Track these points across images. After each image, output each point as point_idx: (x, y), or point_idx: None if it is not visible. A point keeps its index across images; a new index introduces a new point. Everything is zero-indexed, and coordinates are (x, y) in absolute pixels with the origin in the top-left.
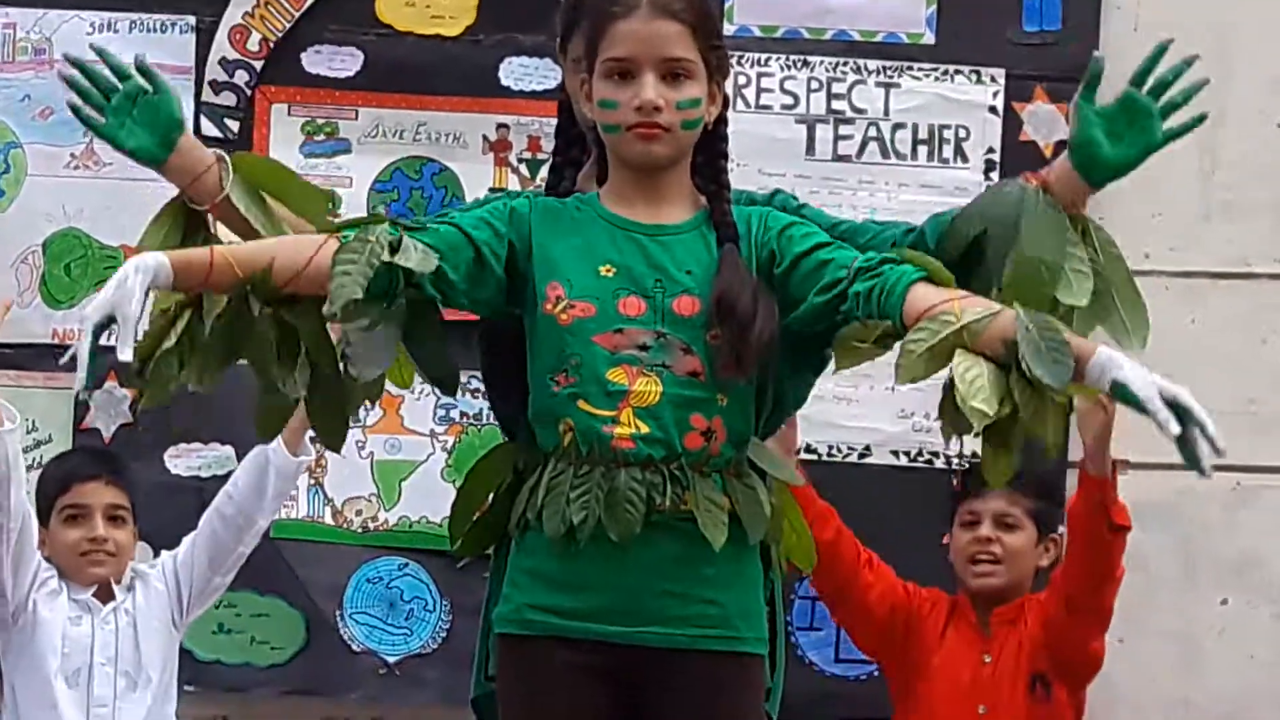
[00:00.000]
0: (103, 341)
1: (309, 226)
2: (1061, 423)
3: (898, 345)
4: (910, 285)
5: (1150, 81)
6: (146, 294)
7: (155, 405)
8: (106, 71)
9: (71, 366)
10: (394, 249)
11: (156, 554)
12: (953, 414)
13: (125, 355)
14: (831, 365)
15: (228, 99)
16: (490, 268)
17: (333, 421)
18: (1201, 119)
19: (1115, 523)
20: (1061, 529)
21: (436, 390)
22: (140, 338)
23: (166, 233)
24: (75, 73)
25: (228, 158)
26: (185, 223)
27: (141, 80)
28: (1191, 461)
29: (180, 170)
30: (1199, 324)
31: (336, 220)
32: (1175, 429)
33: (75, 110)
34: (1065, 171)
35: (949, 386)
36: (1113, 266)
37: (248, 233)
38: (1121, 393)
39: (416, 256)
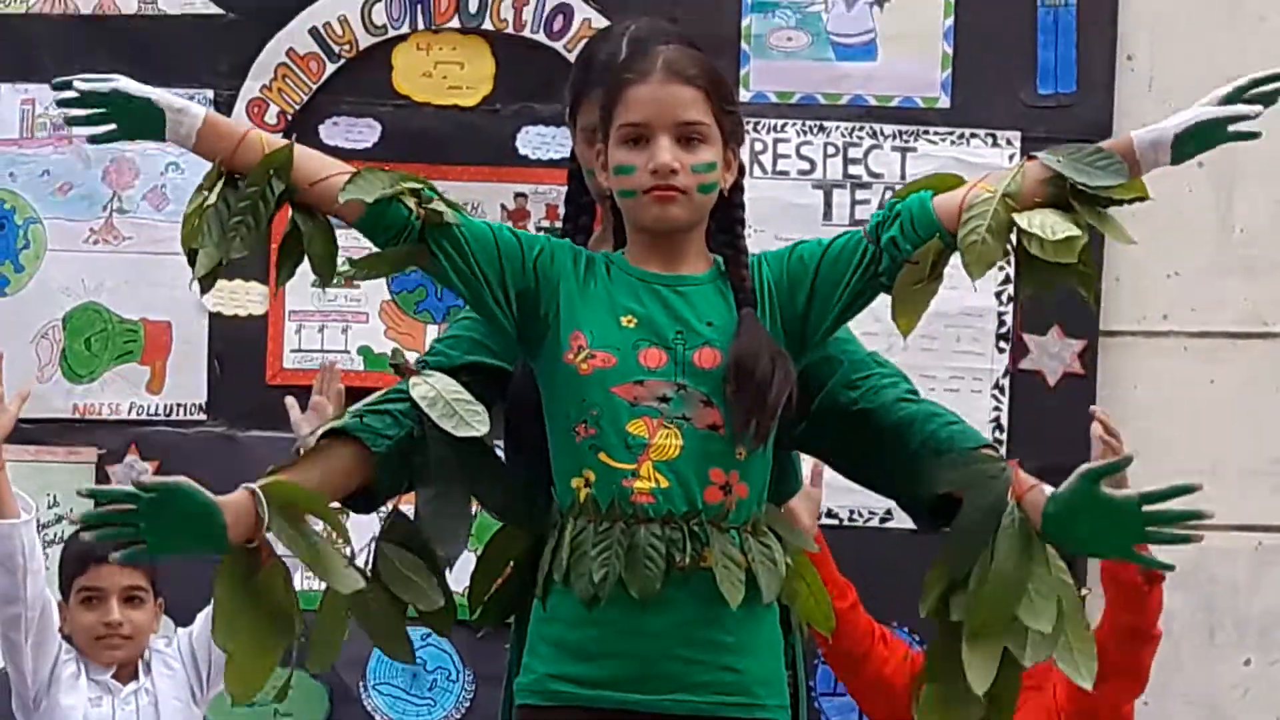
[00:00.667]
0: (117, 400)
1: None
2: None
3: (955, 259)
4: (932, 200)
5: (1158, 508)
6: (157, 117)
7: (202, 275)
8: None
9: None
10: (421, 201)
11: (181, 625)
12: (1041, 273)
13: (82, 85)
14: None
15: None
16: (508, 277)
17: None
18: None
19: (1150, 571)
20: (1083, 590)
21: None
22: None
23: (231, 579)
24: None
25: (264, 504)
26: (247, 564)
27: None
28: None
29: (238, 546)
30: (1218, 384)
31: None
32: (1254, 109)
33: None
34: (1033, 510)
35: (1021, 250)
36: (1065, 593)
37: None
38: (1193, 141)
39: (443, 210)
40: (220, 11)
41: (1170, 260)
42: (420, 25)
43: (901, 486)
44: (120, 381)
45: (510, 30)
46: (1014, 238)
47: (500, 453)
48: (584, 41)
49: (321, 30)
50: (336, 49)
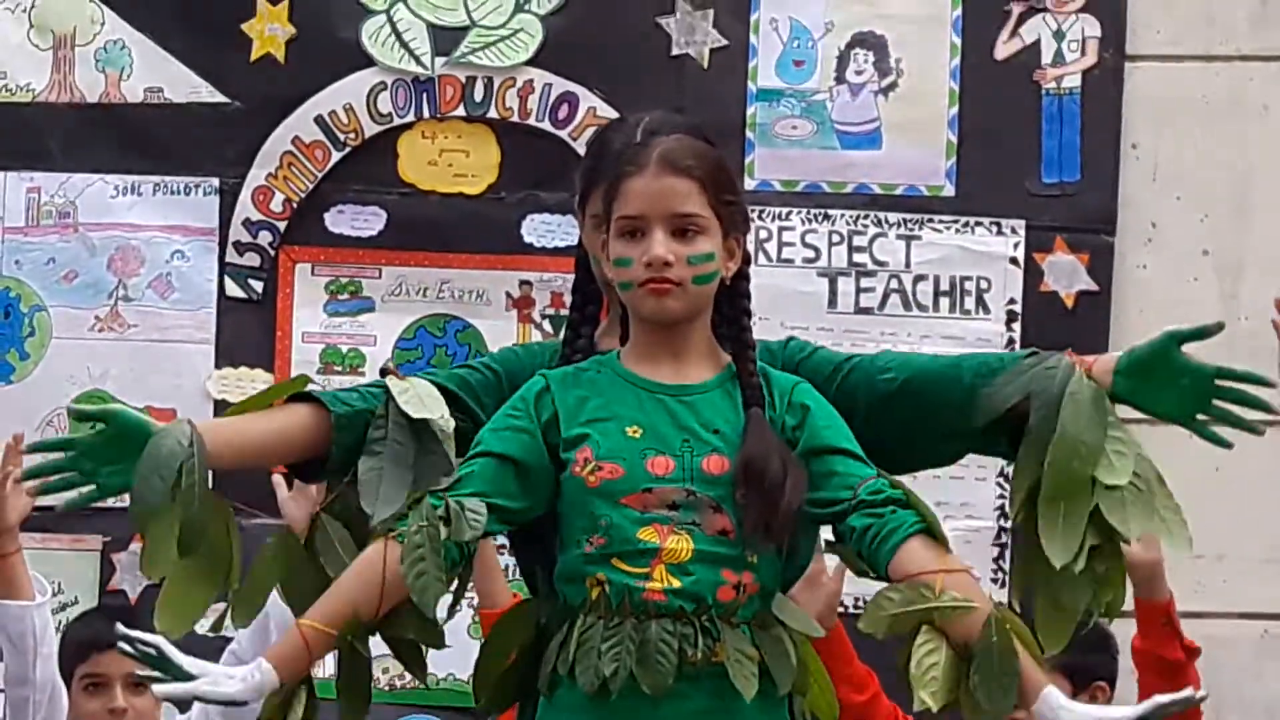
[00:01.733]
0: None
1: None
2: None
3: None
4: (905, 540)
5: (1230, 384)
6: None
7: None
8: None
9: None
10: (446, 521)
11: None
12: (906, 676)
13: (161, 691)
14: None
15: (251, 259)
16: (536, 472)
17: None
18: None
19: (1188, 645)
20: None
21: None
22: None
23: (271, 560)
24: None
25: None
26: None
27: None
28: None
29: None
30: (1224, 472)
31: (381, 523)
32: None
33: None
34: (1104, 373)
35: (905, 656)
36: (1144, 467)
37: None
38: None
39: (469, 523)
40: (226, 100)
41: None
42: (425, 114)
43: (967, 426)
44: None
45: (515, 119)
46: (910, 650)
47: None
48: (590, 130)
49: (327, 119)
50: (342, 137)
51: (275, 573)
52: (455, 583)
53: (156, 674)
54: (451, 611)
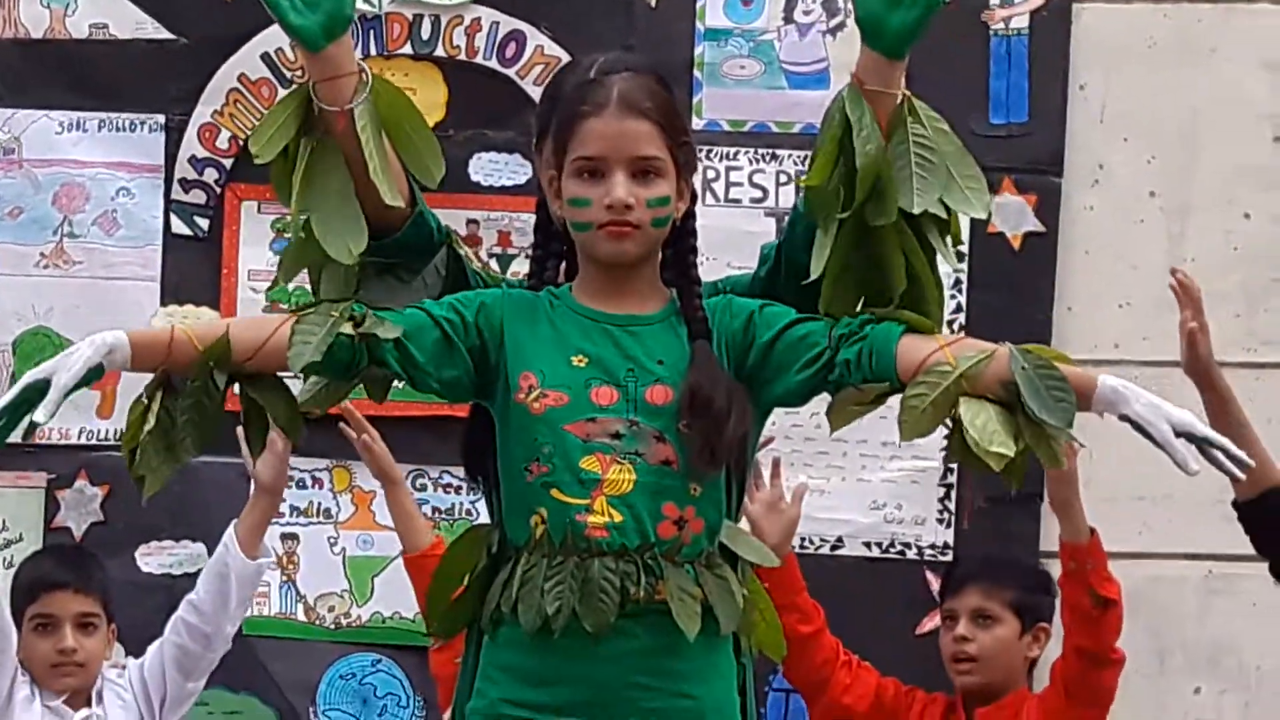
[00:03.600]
0: (67, 425)
1: (398, 182)
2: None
3: (895, 399)
4: (897, 342)
5: None
6: (97, 370)
7: (153, 493)
8: None
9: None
10: (358, 323)
11: (129, 652)
12: (966, 456)
13: (38, 416)
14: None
15: (197, 197)
16: (457, 349)
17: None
18: None
19: (1100, 595)
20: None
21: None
22: (125, 430)
23: (286, 118)
24: None
25: (369, 74)
26: (303, 117)
27: None
28: (1222, 469)
29: (328, 62)
30: None
31: (302, 302)
32: (1194, 468)
33: None
34: (867, 56)
35: (958, 430)
36: (942, 138)
37: (358, 159)
38: (1135, 427)
39: (381, 328)
40: (172, 36)
41: (1122, 291)
42: (373, 51)
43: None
44: (70, 407)
45: (463, 57)
46: (959, 423)
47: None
48: (538, 68)
49: (274, 55)
50: (289, 74)
51: None
52: (323, 381)
53: (25, 411)
54: (323, 404)
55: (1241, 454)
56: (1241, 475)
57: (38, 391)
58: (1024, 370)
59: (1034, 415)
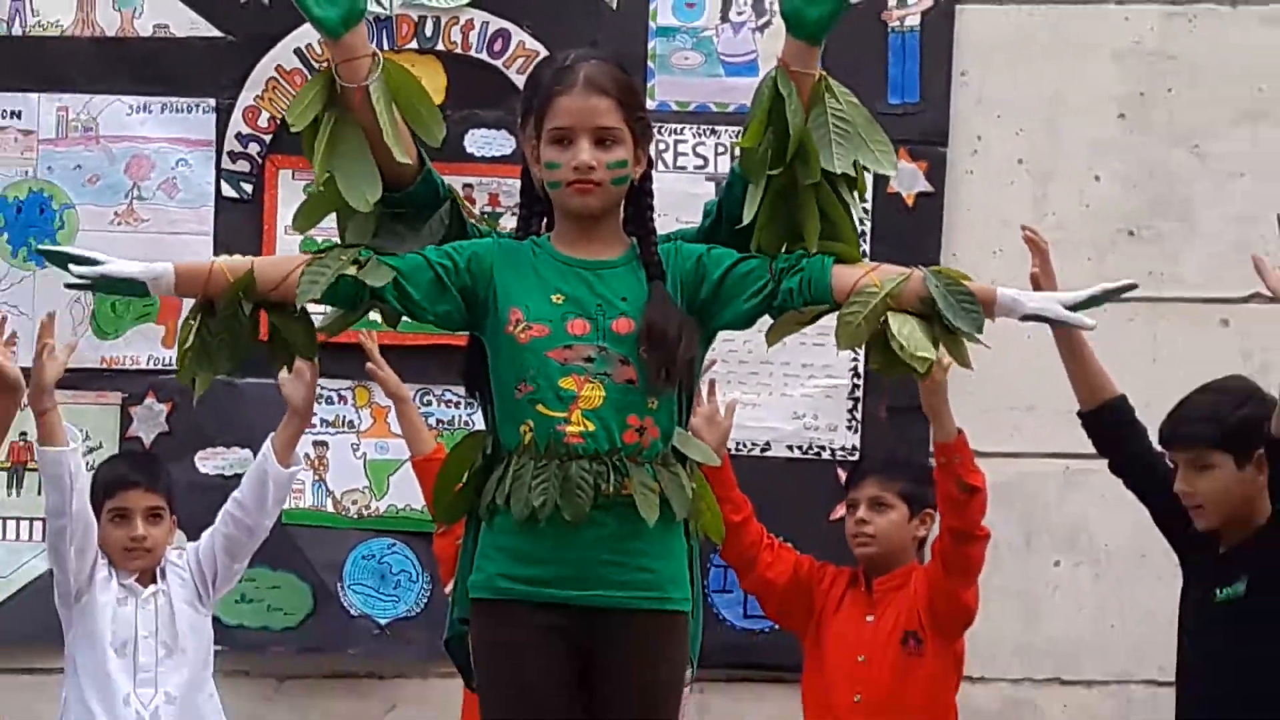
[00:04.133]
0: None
1: (408, 147)
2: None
3: (831, 316)
4: (830, 270)
5: None
6: (141, 286)
7: (200, 395)
8: None
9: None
10: (360, 266)
11: (189, 539)
12: (892, 365)
13: (72, 268)
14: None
15: (243, 166)
16: (449, 288)
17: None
18: None
19: (966, 483)
20: (926, 509)
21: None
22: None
23: (315, 95)
24: None
25: (381, 56)
26: (329, 94)
27: None
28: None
29: (346, 47)
30: (1034, 340)
31: (322, 244)
32: (1090, 324)
33: None
34: (791, 43)
35: (884, 341)
36: (854, 111)
37: (374, 127)
38: (1040, 318)
39: (376, 272)
40: (221, 35)
41: (995, 242)
42: (385, 46)
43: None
44: (140, 338)
45: (459, 50)
46: (886, 330)
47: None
48: (521, 60)
49: (304, 50)
50: (316, 65)
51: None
52: (336, 309)
53: (77, 267)
54: (333, 332)
55: (1121, 282)
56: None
57: (88, 261)
58: (937, 287)
59: (950, 324)
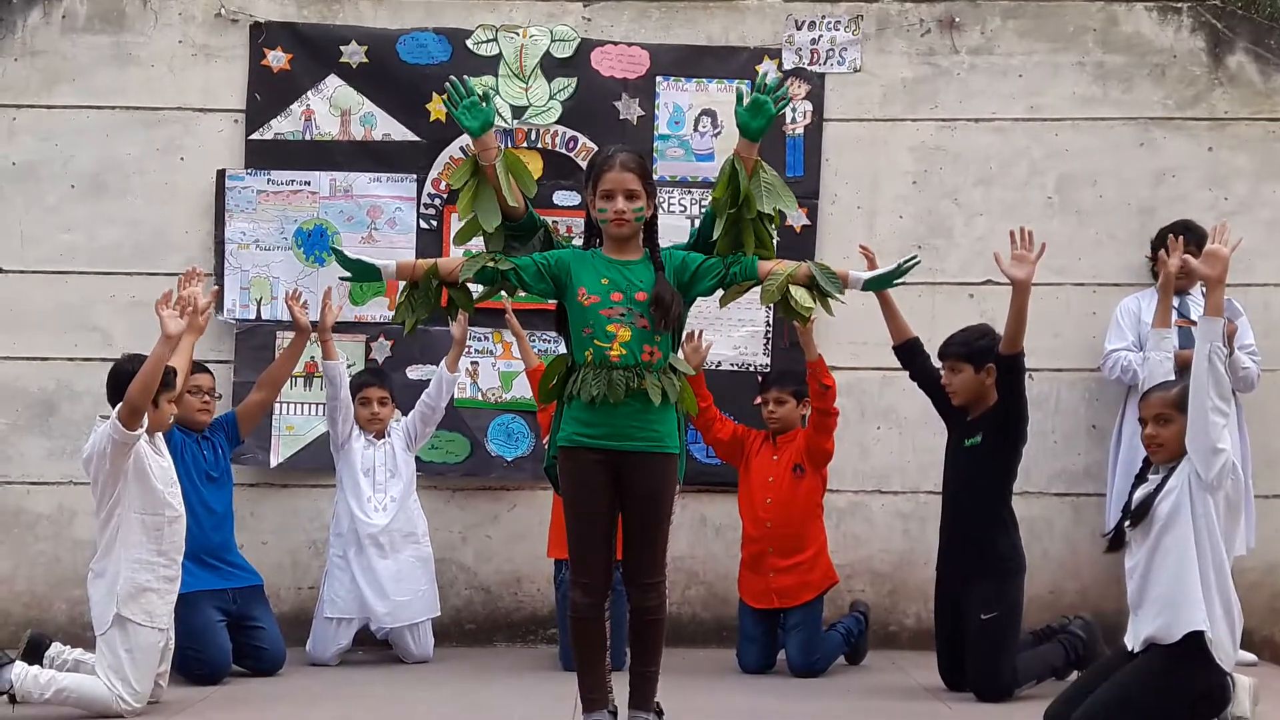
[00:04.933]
0: (373, 314)
1: (517, 198)
2: (822, 307)
3: (757, 288)
4: (756, 263)
5: (763, 90)
6: (375, 271)
7: (410, 331)
8: (463, 91)
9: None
10: (495, 262)
11: (404, 413)
12: (790, 314)
13: (338, 250)
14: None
15: (431, 210)
16: (544, 275)
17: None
18: (783, 100)
19: (823, 384)
20: (805, 397)
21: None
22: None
23: (466, 169)
24: (450, 88)
25: (502, 148)
26: (474, 169)
27: (479, 98)
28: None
29: (483, 143)
30: (866, 305)
31: (476, 252)
32: (898, 281)
33: (448, 106)
34: (740, 141)
35: (784, 300)
36: (774, 179)
37: (498, 187)
38: (869, 287)
39: (504, 265)
40: (418, 139)
41: (846, 251)
42: (508, 144)
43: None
44: (374, 305)
45: (549, 147)
46: (787, 294)
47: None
48: (585, 154)
49: (465, 148)
50: (467, 154)
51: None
52: (482, 287)
53: (353, 266)
54: (479, 299)
55: (907, 258)
56: (914, 261)
57: (356, 262)
58: (817, 270)
59: (824, 290)
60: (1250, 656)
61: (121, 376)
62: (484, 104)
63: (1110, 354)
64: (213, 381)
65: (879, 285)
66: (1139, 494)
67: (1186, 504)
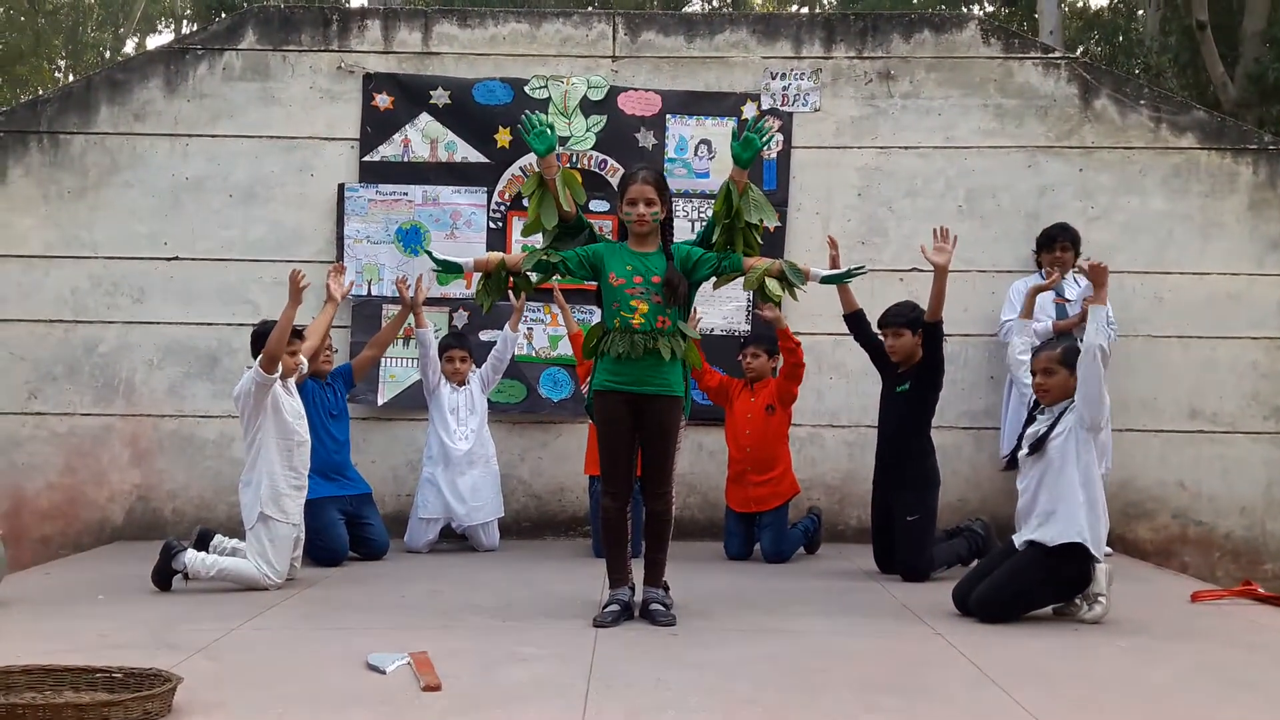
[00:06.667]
0: (453, 292)
1: (570, 204)
2: (788, 294)
3: (741, 278)
4: (742, 258)
5: (751, 128)
6: (456, 267)
7: (486, 309)
8: (534, 122)
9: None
10: (549, 255)
11: (477, 366)
12: (763, 295)
13: (433, 253)
14: (709, 287)
15: (498, 215)
16: (585, 264)
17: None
18: (767, 136)
19: (791, 344)
20: (774, 354)
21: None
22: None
23: (533, 181)
24: (524, 120)
25: (561, 165)
26: (539, 182)
27: (547, 128)
28: (852, 273)
29: (547, 162)
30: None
31: (536, 248)
32: (851, 274)
33: (522, 134)
34: (733, 168)
35: (760, 287)
36: (760, 195)
37: (557, 195)
38: (826, 281)
39: (557, 256)
40: (489, 160)
41: (809, 247)
42: (563, 165)
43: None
44: (455, 286)
45: (587, 167)
46: (763, 283)
47: (580, 249)
48: (616, 174)
49: (526, 168)
50: (529, 172)
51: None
52: (538, 274)
53: (442, 264)
54: (537, 283)
55: (855, 266)
56: (859, 272)
57: (445, 262)
58: (787, 266)
59: (792, 281)
60: (1107, 550)
61: (260, 336)
62: (549, 132)
63: (1004, 323)
64: (331, 342)
65: (832, 281)
66: (1032, 430)
67: (1073, 443)
